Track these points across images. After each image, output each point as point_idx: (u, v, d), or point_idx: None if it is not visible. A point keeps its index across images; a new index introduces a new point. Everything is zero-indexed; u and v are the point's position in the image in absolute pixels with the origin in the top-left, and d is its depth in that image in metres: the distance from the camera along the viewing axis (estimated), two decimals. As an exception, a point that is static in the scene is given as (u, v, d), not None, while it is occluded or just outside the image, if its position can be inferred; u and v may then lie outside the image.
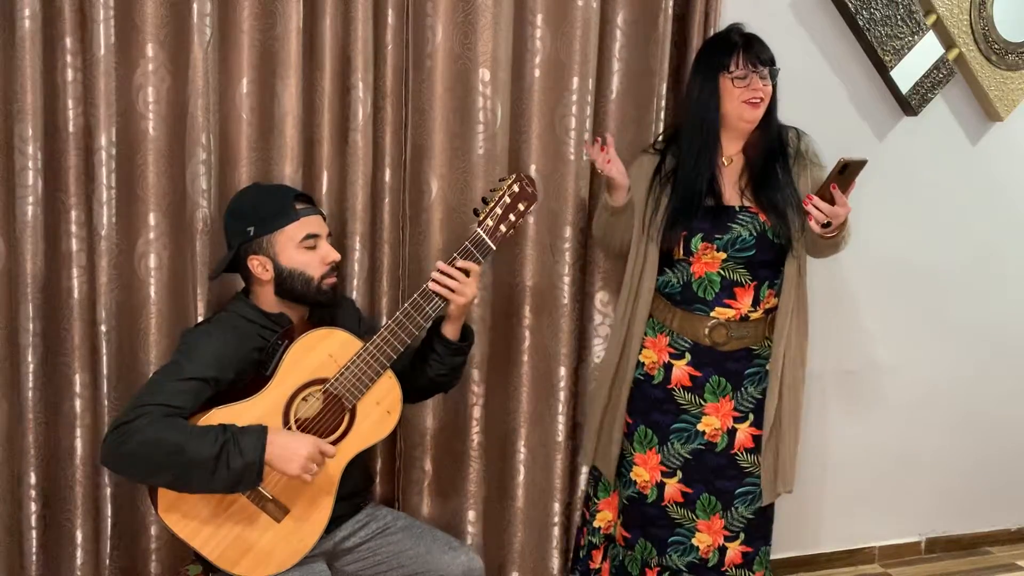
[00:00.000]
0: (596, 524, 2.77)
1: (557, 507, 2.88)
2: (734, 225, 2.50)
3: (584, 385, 2.93)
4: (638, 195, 2.57)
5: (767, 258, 2.53)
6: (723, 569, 2.62)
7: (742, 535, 2.62)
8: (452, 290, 2.22)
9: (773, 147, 2.54)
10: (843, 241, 2.51)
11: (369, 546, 2.31)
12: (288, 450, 2.05)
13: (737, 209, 2.52)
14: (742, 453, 2.60)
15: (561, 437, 2.85)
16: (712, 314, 2.54)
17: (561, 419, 2.84)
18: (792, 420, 2.60)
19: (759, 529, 2.64)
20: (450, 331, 2.32)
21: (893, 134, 3.26)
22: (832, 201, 2.33)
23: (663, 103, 2.79)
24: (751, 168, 2.54)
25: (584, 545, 2.81)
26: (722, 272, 2.52)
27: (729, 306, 2.53)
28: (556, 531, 2.89)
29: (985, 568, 3.50)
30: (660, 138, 2.70)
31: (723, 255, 2.50)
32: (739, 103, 2.46)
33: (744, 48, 2.45)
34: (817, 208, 2.33)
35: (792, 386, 2.59)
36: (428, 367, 2.34)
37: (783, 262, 2.56)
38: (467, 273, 2.23)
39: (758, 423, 2.60)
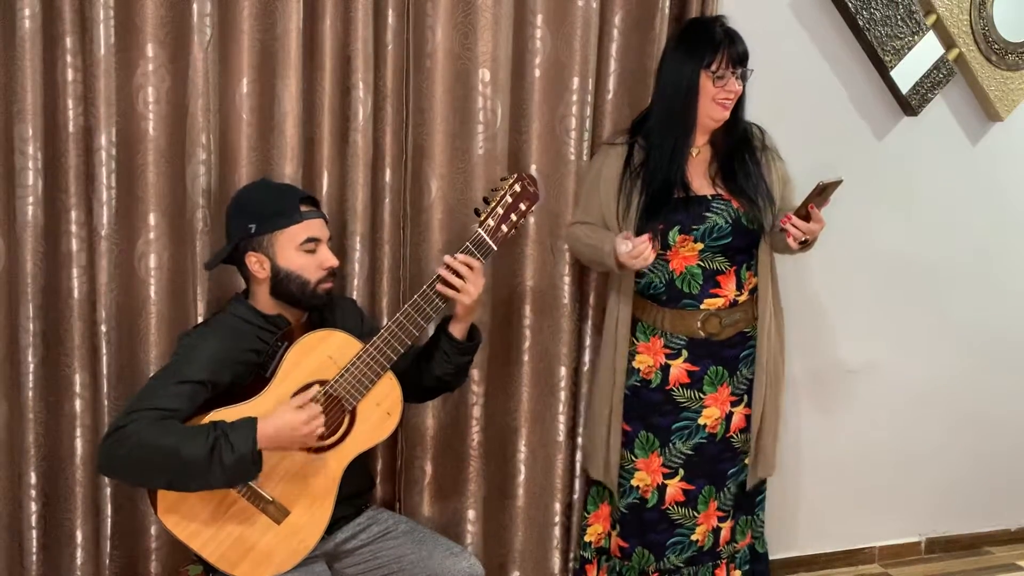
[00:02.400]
0: (587, 539, 2.77)
1: (558, 507, 2.88)
2: (709, 214, 2.51)
3: (585, 386, 2.93)
4: (607, 190, 2.56)
5: (743, 243, 2.56)
6: (717, 549, 2.65)
7: (730, 511, 2.66)
8: (457, 289, 2.21)
9: (741, 138, 2.57)
10: (810, 248, 2.57)
11: (370, 549, 2.30)
12: (282, 430, 2.03)
13: (710, 198, 2.53)
14: (736, 434, 2.63)
15: (562, 437, 2.85)
16: (702, 307, 2.54)
17: (561, 419, 2.85)
18: (773, 406, 2.65)
19: (741, 502, 2.69)
20: (458, 330, 2.32)
21: (893, 134, 3.26)
22: (808, 219, 2.43)
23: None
24: (721, 157, 2.57)
25: (577, 559, 2.81)
26: (701, 263, 2.53)
27: (716, 295, 2.55)
28: (557, 531, 2.89)
29: (985, 568, 3.50)
30: (628, 126, 2.66)
31: (700, 246, 2.51)
32: (711, 101, 2.48)
33: (728, 47, 2.46)
34: (795, 227, 2.41)
35: (774, 373, 2.64)
36: (435, 366, 2.34)
37: (756, 245, 2.59)
38: (470, 268, 2.21)
39: (749, 403, 2.64)
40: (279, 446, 2.05)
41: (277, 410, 2.08)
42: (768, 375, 2.62)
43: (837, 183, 2.40)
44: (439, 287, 2.20)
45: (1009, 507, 3.68)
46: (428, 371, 2.35)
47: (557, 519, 2.88)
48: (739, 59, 2.47)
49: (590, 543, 2.76)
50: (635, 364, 2.62)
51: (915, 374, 3.43)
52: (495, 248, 2.26)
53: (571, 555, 2.95)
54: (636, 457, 2.63)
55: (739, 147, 2.57)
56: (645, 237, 2.36)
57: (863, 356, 3.34)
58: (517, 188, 2.28)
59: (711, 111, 2.49)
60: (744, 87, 2.52)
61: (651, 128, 2.54)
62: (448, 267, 2.21)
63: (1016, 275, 3.53)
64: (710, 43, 2.46)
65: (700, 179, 2.55)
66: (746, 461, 2.66)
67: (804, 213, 2.42)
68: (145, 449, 1.98)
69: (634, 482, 2.63)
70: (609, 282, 2.69)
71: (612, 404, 2.63)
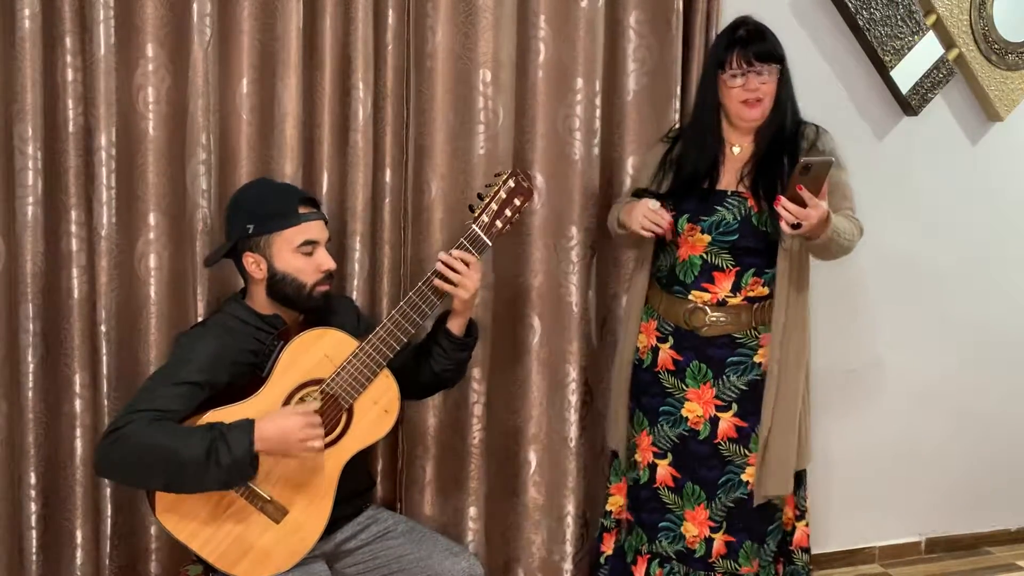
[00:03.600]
0: (608, 507, 2.77)
1: (566, 505, 2.86)
2: (719, 208, 2.50)
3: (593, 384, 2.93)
4: (645, 180, 2.60)
5: (752, 244, 2.50)
6: (710, 560, 2.61)
7: (724, 524, 2.59)
8: (455, 283, 2.21)
9: (781, 138, 2.51)
10: (833, 243, 2.39)
11: (370, 549, 2.30)
12: (279, 437, 2.03)
13: (728, 193, 2.52)
14: (725, 443, 2.57)
15: (571, 435, 2.84)
16: (690, 296, 2.53)
17: (571, 416, 2.84)
18: (784, 427, 2.53)
19: (741, 520, 2.59)
20: (455, 326, 2.32)
21: (893, 134, 3.26)
22: (803, 203, 2.25)
23: (679, 103, 2.80)
24: (757, 157, 2.54)
25: (598, 527, 2.81)
26: (704, 256, 2.52)
27: (706, 289, 2.53)
28: (564, 529, 2.87)
29: (985, 568, 3.50)
30: (676, 126, 2.72)
31: (707, 238, 2.50)
32: (737, 103, 2.47)
33: (742, 45, 2.43)
34: (786, 209, 2.26)
35: (788, 391, 2.53)
36: (433, 362, 2.34)
37: (774, 252, 2.51)
38: (467, 264, 2.22)
39: (742, 414, 2.55)
40: (274, 449, 2.05)
41: (277, 412, 2.08)
42: (779, 393, 2.52)
43: (826, 163, 2.25)
44: (436, 282, 2.20)
45: (1009, 507, 3.68)
46: (426, 367, 2.35)
47: (566, 517, 2.87)
48: (757, 57, 2.43)
49: (610, 512, 2.77)
50: (637, 342, 2.64)
51: (915, 373, 3.43)
52: (489, 244, 2.26)
53: (574, 554, 2.95)
54: (635, 433, 2.64)
55: (778, 148, 2.51)
56: (668, 221, 2.45)
57: (863, 356, 3.34)
58: (511, 184, 2.28)
59: (739, 112, 2.47)
60: (781, 85, 2.48)
61: (685, 133, 2.59)
62: (444, 264, 2.21)
63: (1016, 275, 3.53)
64: (724, 44, 2.47)
65: (731, 175, 2.54)
66: (743, 477, 2.57)
67: (798, 197, 2.24)
68: (141, 450, 1.98)
69: (637, 456, 2.64)
70: (635, 258, 2.71)
71: (621, 378, 2.66)
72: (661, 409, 2.60)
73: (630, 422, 2.66)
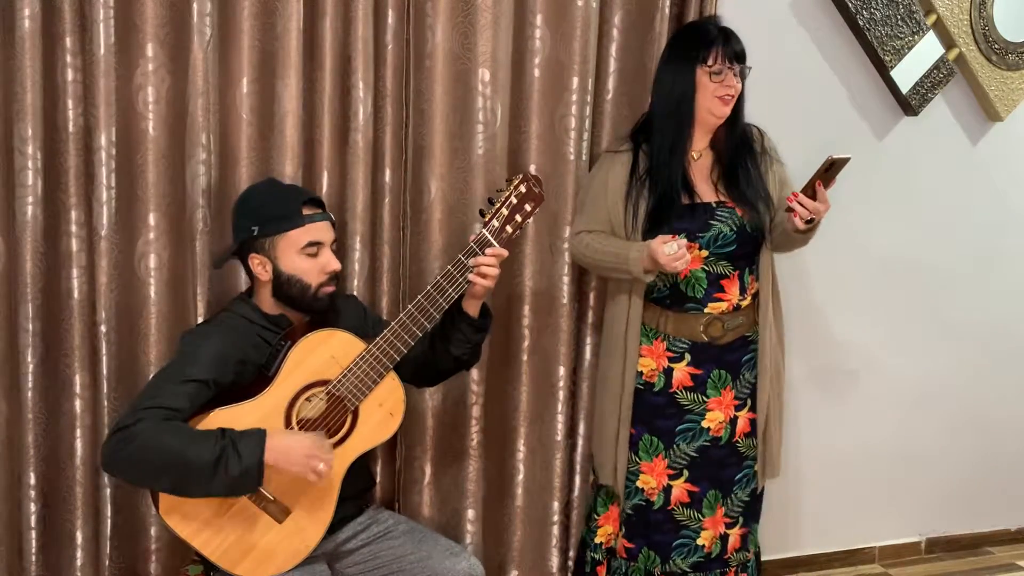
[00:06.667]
0: (597, 540, 2.75)
1: (556, 506, 2.87)
2: (714, 222, 2.52)
3: (584, 385, 2.92)
4: (614, 199, 2.56)
5: (747, 250, 2.56)
6: (726, 557, 2.65)
7: (740, 519, 2.65)
8: (484, 276, 2.20)
9: (741, 142, 2.56)
10: (811, 237, 2.54)
11: (371, 549, 2.30)
12: (288, 452, 2.05)
13: (714, 205, 2.53)
14: (742, 439, 2.63)
15: (560, 436, 2.85)
16: (706, 310, 2.55)
17: (560, 418, 2.85)
18: (777, 407, 2.65)
19: (751, 510, 2.69)
20: (472, 309, 2.31)
21: (893, 134, 3.26)
22: (815, 197, 2.37)
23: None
24: (723, 162, 2.56)
25: (588, 562, 2.79)
26: (706, 268, 2.53)
27: (720, 299, 2.55)
28: (555, 530, 2.89)
29: (985, 568, 3.50)
30: (628, 132, 2.66)
31: (705, 252, 2.52)
32: (712, 97, 2.47)
33: (723, 43, 2.46)
34: (802, 205, 2.36)
35: (776, 374, 2.64)
36: (453, 346, 2.33)
37: (759, 251, 2.59)
38: (496, 257, 2.22)
39: (754, 407, 2.64)
40: (279, 463, 2.05)
41: (291, 432, 2.10)
42: (771, 380, 2.62)
43: (845, 160, 2.35)
44: (471, 276, 2.19)
45: (1009, 507, 3.68)
46: (446, 352, 2.34)
47: (556, 518, 2.88)
48: (735, 56, 2.46)
49: (600, 544, 2.74)
50: (638, 367, 2.61)
51: (915, 374, 3.43)
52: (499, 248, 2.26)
53: (570, 554, 2.95)
54: (640, 460, 2.63)
55: (740, 151, 2.56)
56: (684, 241, 2.39)
57: (863, 356, 3.34)
58: (523, 189, 2.27)
59: (712, 107, 2.47)
60: (744, 87, 2.51)
61: (652, 130, 2.54)
62: (481, 265, 2.20)
63: (1016, 275, 3.53)
64: (704, 40, 2.47)
65: (703, 184, 2.55)
66: (756, 468, 2.65)
67: (811, 192, 2.37)
68: (150, 450, 1.99)
69: (639, 484, 2.63)
70: (612, 286, 2.68)
71: (621, 409, 2.62)
72: (678, 429, 2.60)
73: (633, 450, 2.64)
